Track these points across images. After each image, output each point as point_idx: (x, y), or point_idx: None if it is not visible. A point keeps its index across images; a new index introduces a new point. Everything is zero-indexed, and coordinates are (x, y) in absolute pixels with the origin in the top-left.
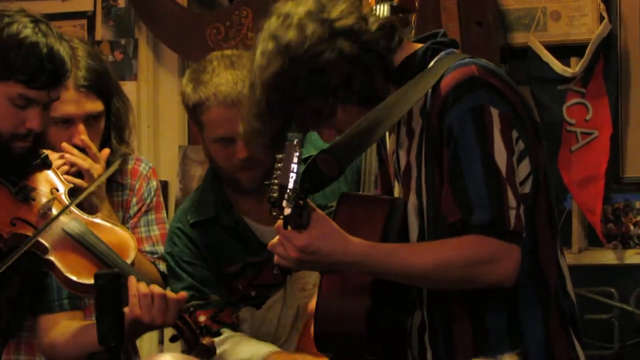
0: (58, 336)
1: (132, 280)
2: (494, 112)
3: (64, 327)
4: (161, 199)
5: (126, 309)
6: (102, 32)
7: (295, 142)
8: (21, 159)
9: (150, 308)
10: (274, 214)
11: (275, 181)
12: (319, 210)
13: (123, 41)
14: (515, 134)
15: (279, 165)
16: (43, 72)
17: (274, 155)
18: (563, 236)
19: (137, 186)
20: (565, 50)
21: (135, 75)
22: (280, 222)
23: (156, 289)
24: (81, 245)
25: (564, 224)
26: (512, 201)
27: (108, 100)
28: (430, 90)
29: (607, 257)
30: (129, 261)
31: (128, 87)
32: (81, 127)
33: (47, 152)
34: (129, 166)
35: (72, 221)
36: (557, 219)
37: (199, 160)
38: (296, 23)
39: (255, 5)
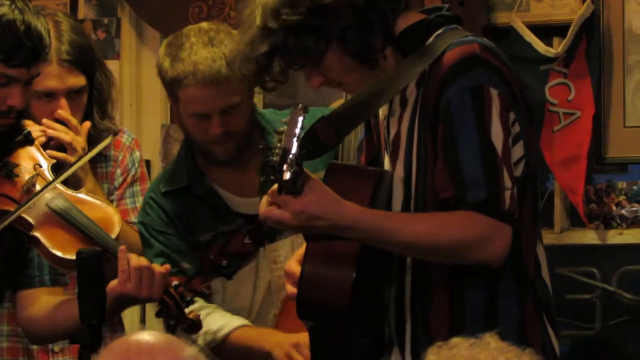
0: (36, 311)
1: (122, 253)
2: (494, 92)
3: (44, 302)
4: (145, 169)
5: (112, 283)
6: (84, 10)
7: (300, 107)
8: (3, 136)
9: (139, 281)
10: (272, 178)
11: (279, 145)
12: (313, 176)
13: (106, 20)
14: (512, 116)
15: (283, 129)
16: (21, 49)
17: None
18: (545, 216)
19: (120, 157)
20: (547, 31)
21: (118, 54)
22: (274, 187)
23: (144, 261)
24: (65, 220)
25: (546, 204)
26: (507, 182)
27: (91, 75)
28: (428, 64)
29: (589, 237)
30: (113, 236)
31: (111, 66)
32: (63, 101)
33: (28, 125)
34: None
35: (56, 197)
36: (540, 205)
37: (181, 139)
38: None
39: None
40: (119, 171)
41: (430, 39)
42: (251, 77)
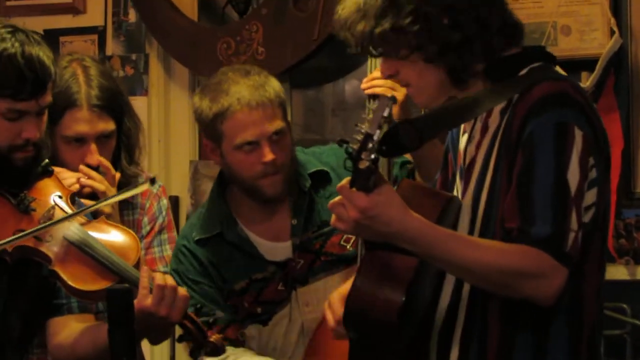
0: (63, 338)
1: (145, 271)
2: (578, 133)
3: (73, 329)
4: (171, 217)
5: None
6: (112, 47)
7: (390, 97)
8: (23, 170)
9: (160, 299)
10: (346, 167)
11: (362, 130)
12: (386, 181)
13: (134, 56)
14: (591, 161)
15: (369, 117)
16: (25, 82)
17: None
18: None
19: (147, 205)
20: (576, 65)
21: (146, 90)
22: (345, 181)
23: (170, 280)
24: (83, 252)
25: None
26: (574, 224)
27: (120, 120)
28: (517, 94)
29: (619, 272)
30: (131, 263)
31: (139, 102)
32: (93, 146)
33: (57, 169)
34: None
35: (72, 228)
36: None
37: (210, 175)
38: None
39: (265, 20)
40: (146, 219)
41: (524, 71)
42: (354, 37)
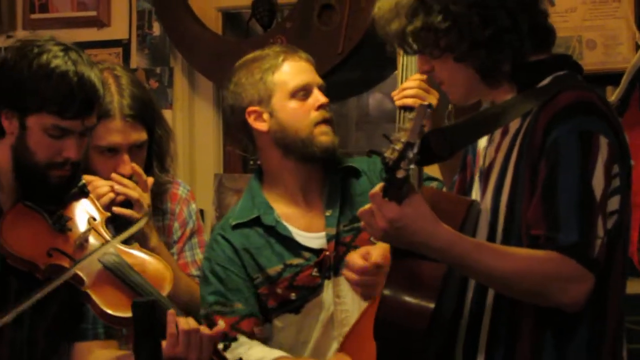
0: None
1: (171, 316)
2: (603, 142)
3: (97, 356)
4: (201, 221)
5: (163, 344)
6: (137, 60)
7: (427, 104)
8: (59, 188)
9: (188, 344)
10: (383, 176)
11: (402, 139)
12: (417, 191)
13: (158, 69)
14: (616, 169)
15: (406, 125)
16: (74, 101)
17: None
18: None
19: (177, 210)
20: (601, 79)
21: (171, 104)
22: (378, 188)
23: (192, 322)
24: (117, 277)
25: None
26: (600, 230)
27: (151, 129)
28: (541, 102)
29: None
30: (164, 293)
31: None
32: (126, 156)
33: (90, 178)
34: (168, 190)
35: (108, 253)
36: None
37: (235, 188)
38: None
39: (290, 34)
40: (176, 224)
41: (549, 78)
42: (388, 36)
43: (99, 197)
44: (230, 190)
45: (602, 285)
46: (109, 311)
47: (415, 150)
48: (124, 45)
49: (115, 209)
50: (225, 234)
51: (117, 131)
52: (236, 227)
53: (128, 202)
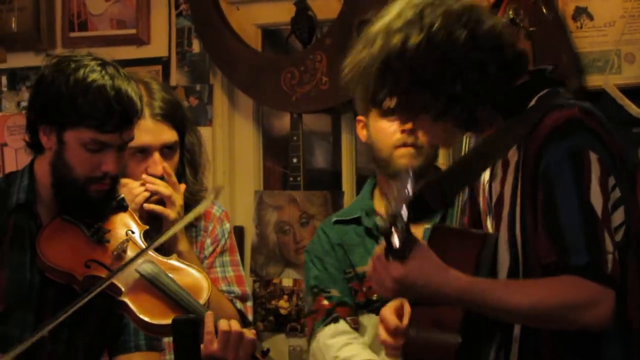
0: None
1: (209, 316)
2: (593, 157)
3: None
4: (234, 241)
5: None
6: (177, 77)
7: (409, 172)
8: (98, 203)
9: (226, 344)
10: (385, 242)
11: (390, 209)
12: (421, 241)
13: (198, 87)
14: (612, 181)
15: (394, 194)
16: (112, 115)
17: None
18: None
19: (210, 228)
20: None
21: (211, 121)
22: (379, 250)
23: (234, 325)
24: (154, 286)
25: None
26: (609, 246)
27: (182, 133)
28: (530, 129)
29: None
30: (202, 302)
31: (203, 133)
32: (157, 155)
33: (123, 181)
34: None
35: (145, 262)
36: None
37: (275, 205)
38: (443, 12)
39: (329, 50)
40: (209, 241)
41: (533, 102)
42: (362, 99)
43: (133, 198)
44: (271, 207)
45: (620, 297)
46: (146, 319)
47: (404, 217)
48: (164, 62)
49: (147, 205)
50: (325, 228)
51: (147, 131)
52: (337, 222)
53: (162, 201)
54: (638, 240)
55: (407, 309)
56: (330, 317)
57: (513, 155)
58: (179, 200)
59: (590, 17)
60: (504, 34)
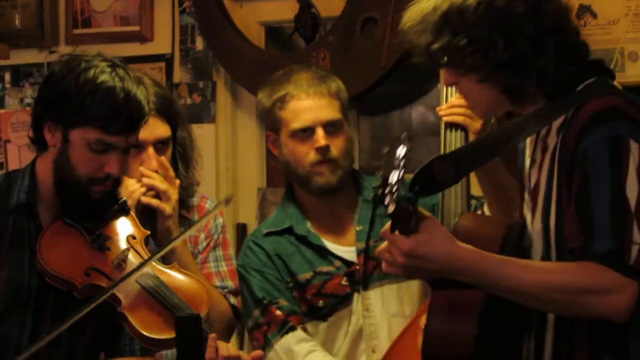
0: None
1: (212, 340)
2: (633, 146)
3: None
4: (227, 236)
5: None
6: (180, 74)
7: (402, 137)
8: (99, 204)
9: None
10: (386, 215)
11: (379, 174)
12: (429, 215)
13: (201, 84)
14: None
15: (384, 159)
16: (120, 117)
17: None
18: None
19: (204, 223)
20: None
21: (214, 118)
22: (387, 226)
23: (232, 350)
24: (154, 298)
25: None
26: (636, 236)
27: (175, 127)
28: (571, 111)
29: None
30: (202, 315)
31: (206, 130)
32: (151, 150)
33: (124, 178)
34: (195, 203)
35: (146, 273)
36: None
37: (278, 202)
38: None
39: (332, 47)
40: (202, 236)
41: (580, 87)
42: (416, 47)
43: (130, 194)
44: (274, 204)
45: None
46: (144, 332)
47: (394, 183)
48: (167, 59)
49: (143, 199)
50: (257, 240)
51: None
52: (268, 234)
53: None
54: None
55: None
56: (286, 326)
57: (552, 140)
58: (174, 194)
59: (594, 15)
60: (570, 18)
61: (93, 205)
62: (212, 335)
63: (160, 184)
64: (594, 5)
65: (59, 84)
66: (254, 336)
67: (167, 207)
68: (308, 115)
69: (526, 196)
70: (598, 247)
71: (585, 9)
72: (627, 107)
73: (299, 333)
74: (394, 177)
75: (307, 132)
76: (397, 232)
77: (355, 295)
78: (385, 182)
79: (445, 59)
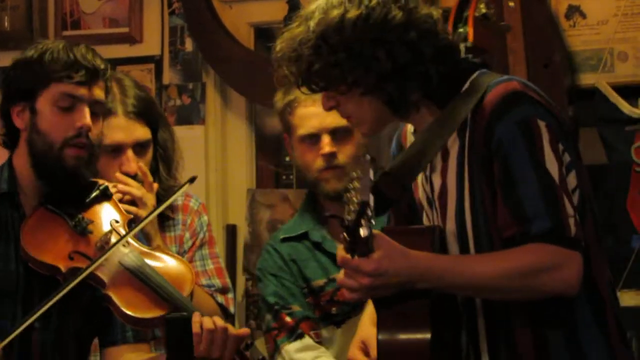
0: None
1: (195, 317)
2: (541, 124)
3: (127, 359)
4: (212, 234)
5: None
6: (169, 76)
7: (368, 159)
8: (75, 172)
9: (212, 342)
10: (347, 239)
11: (355, 199)
12: (377, 232)
13: (191, 85)
14: (561, 147)
15: (355, 184)
16: (79, 67)
17: None
18: (632, 276)
19: (189, 221)
20: (633, 91)
21: (203, 120)
22: (343, 253)
23: (219, 321)
24: (138, 278)
25: (633, 264)
26: (569, 209)
27: (155, 130)
28: (471, 108)
29: None
30: (185, 294)
31: (196, 131)
32: (130, 153)
33: (101, 182)
34: (179, 202)
35: (129, 254)
36: (602, 235)
37: (268, 204)
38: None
39: None
40: (187, 234)
41: (466, 85)
42: (292, 75)
43: None
44: (263, 206)
45: (585, 264)
46: (129, 312)
47: (371, 205)
48: (156, 61)
49: (122, 206)
50: (275, 245)
51: (120, 128)
52: (285, 240)
53: (134, 203)
54: (590, 203)
55: (372, 342)
56: (294, 333)
57: (454, 143)
58: (151, 200)
59: (583, 16)
60: (439, 22)
61: (70, 174)
62: (196, 312)
63: (135, 190)
64: (583, 5)
65: (20, 61)
66: (266, 339)
67: (144, 213)
68: (314, 121)
69: (424, 204)
70: (537, 228)
71: (574, 9)
72: (524, 88)
73: (306, 340)
74: (370, 199)
75: (313, 139)
76: (356, 257)
77: (368, 302)
78: (364, 205)
79: (325, 81)
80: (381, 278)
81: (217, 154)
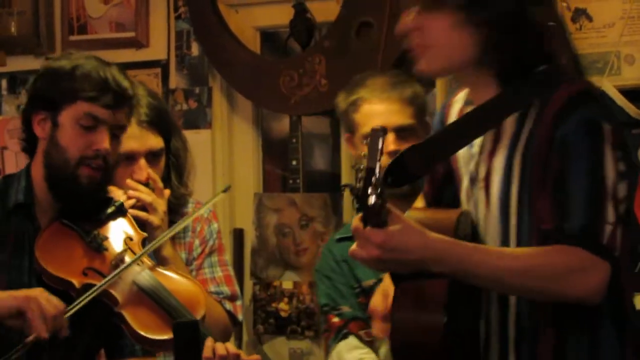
0: None
1: (209, 341)
2: (607, 128)
3: None
4: (222, 241)
5: None
6: (176, 80)
7: (379, 128)
8: (89, 191)
9: None
10: (356, 207)
11: (361, 167)
12: (396, 210)
13: (197, 89)
14: (619, 154)
15: (365, 153)
16: (108, 90)
17: None
18: (639, 280)
19: (198, 229)
20: (639, 94)
21: (210, 124)
22: (357, 221)
23: (231, 348)
24: (151, 298)
25: None
26: (610, 216)
27: (168, 138)
28: (539, 99)
29: None
30: (198, 317)
31: (203, 136)
32: (142, 161)
33: (112, 191)
34: (190, 210)
35: (143, 273)
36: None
37: (275, 208)
38: None
39: (328, 52)
40: (197, 242)
41: (539, 70)
42: None
43: None
44: (270, 210)
45: (617, 275)
46: (142, 333)
47: (378, 174)
48: (163, 65)
49: (131, 211)
50: (329, 246)
51: (133, 137)
52: (340, 240)
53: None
54: (633, 216)
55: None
56: (340, 334)
57: (509, 129)
58: (161, 206)
59: (590, 19)
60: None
61: (83, 192)
62: (209, 337)
63: (145, 196)
64: (590, 8)
65: (50, 70)
66: (323, 337)
67: (155, 219)
68: (378, 120)
69: (466, 184)
70: (570, 226)
71: (581, 13)
72: (594, 90)
73: (351, 340)
74: (377, 167)
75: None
76: (368, 227)
77: None
78: (370, 172)
79: None
80: (391, 253)
81: (223, 158)
